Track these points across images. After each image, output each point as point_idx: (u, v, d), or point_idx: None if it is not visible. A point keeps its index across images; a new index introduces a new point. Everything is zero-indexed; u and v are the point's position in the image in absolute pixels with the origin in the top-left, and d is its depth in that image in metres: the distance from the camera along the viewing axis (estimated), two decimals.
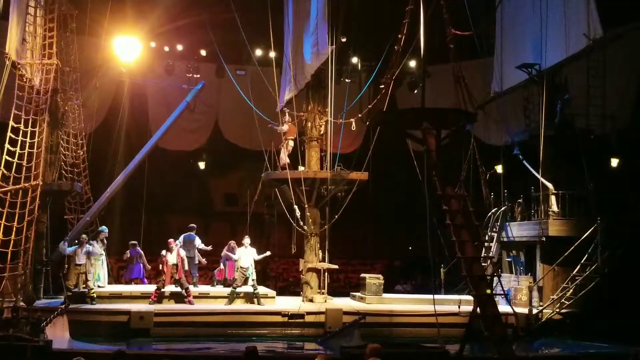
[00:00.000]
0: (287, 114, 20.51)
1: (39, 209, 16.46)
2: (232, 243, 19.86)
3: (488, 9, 21.94)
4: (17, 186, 15.77)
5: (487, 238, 20.77)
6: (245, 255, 18.44)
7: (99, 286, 18.65)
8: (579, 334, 16.54)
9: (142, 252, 20.81)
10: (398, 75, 14.48)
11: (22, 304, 14.37)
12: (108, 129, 22.92)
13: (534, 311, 17.83)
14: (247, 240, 18.75)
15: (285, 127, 20.18)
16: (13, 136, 16.19)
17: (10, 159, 15.94)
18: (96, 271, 18.70)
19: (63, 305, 16.12)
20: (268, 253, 19.25)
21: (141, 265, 20.89)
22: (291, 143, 20.24)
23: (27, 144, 16.42)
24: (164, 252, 18.26)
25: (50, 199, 18.77)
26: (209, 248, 20.32)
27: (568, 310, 17.52)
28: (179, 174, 28.66)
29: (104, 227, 19.61)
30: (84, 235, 18.38)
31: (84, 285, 17.48)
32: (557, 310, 17.59)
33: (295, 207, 19.57)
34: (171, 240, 18.66)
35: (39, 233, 17.60)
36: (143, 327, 16.12)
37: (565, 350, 15.94)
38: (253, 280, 18.39)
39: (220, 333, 16.41)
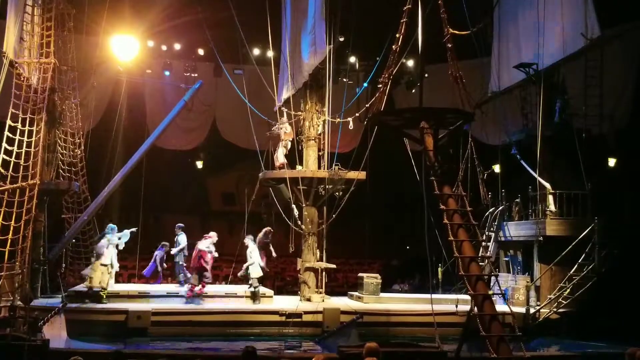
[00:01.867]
0: (285, 113, 20.50)
1: (37, 208, 16.44)
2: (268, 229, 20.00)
3: (486, 8, 21.94)
4: (15, 185, 15.73)
5: (484, 237, 20.80)
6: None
7: None
8: (576, 333, 16.58)
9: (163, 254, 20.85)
10: (396, 74, 14.44)
11: (19, 303, 14.34)
12: (106, 128, 22.87)
13: (532, 310, 17.87)
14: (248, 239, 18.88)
15: (288, 129, 20.17)
16: (10, 135, 16.15)
17: (7, 157, 15.89)
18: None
19: (60, 305, 16.13)
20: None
21: (156, 265, 20.86)
22: (289, 143, 20.24)
23: (25, 142, 16.38)
24: (206, 246, 18.37)
25: (47, 198, 18.75)
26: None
27: (565, 309, 17.55)
28: (176, 173, 28.65)
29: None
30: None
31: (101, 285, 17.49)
32: (555, 309, 17.62)
33: (293, 206, 19.59)
34: (213, 233, 18.95)
35: (36, 232, 17.57)
36: (140, 327, 16.12)
37: (562, 350, 15.95)
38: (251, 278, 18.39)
39: (217, 332, 16.41)
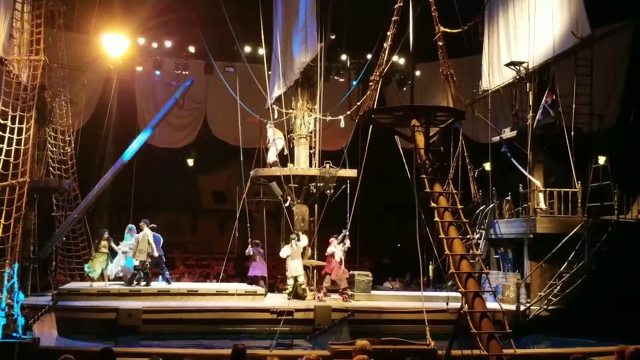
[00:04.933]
0: (276, 110, 20.48)
1: (26, 206, 16.36)
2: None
3: (477, 6, 22.01)
4: (4, 183, 15.66)
5: (475, 235, 20.85)
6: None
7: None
8: (566, 330, 16.62)
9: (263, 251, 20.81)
10: (387, 72, 14.45)
11: (9, 301, 14.27)
12: (96, 126, 22.81)
13: (522, 308, 17.92)
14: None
15: (270, 134, 20.18)
16: (0, 133, 16.08)
17: None
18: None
19: (51, 303, 16.06)
20: None
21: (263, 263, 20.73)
22: (280, 143, 20.18)
23: (15, 140, 16.31)
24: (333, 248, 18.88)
25: (37, 196, 18.66)
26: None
27: (555, 306, 17.61)
28: (167, 171, 28.59)
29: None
30: None
31: None
32: (545, 306, 17.68)
33: (285, 205, 19.57)
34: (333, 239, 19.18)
35: (26, 230, 17.50)
36: (131, 325, 16.06)
37: (552, 347, 16.00)
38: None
39: (209, 330, 16.37)
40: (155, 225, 19.45)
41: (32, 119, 17.00)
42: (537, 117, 19.47)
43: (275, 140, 20.12)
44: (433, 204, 11.16)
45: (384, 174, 23.54)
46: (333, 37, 20.56)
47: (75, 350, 11.20)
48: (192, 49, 25.46)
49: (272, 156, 20.04)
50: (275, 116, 20.39)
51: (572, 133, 18.45)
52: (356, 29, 21.30)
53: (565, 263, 17.66)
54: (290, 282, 18.74)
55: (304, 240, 19.17)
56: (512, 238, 20.20)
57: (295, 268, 18.69)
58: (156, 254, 18.75)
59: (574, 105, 18.66)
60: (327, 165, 19.25)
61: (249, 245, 20.61)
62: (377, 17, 15.46)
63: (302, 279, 18.78)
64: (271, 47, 21.11)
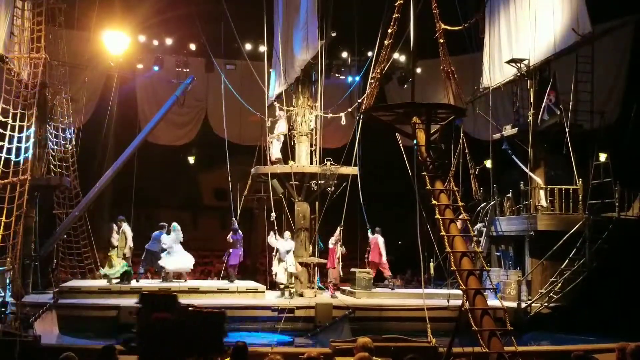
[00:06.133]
0: (279, 108, 20.48)
1: (27, 204, 16.35)
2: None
3: (478, 4, 21.99)
4: (5, 180, 15.66)
5: (476, 232, 20.85)
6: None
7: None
8: (567, 327, 16.62)
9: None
10: (388, 70, 14.45)
11: (10, 299, 14.28)
12: (97, 123, 22.81)
13: (523, 305, 17.92)
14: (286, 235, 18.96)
15: (284, 126, 20.21)
16: (1, 130, 16.08)
17: None
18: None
19: (52, 301, 16.07)
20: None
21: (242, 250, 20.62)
22: (282, 137, 20.23)
23: (15, 138, 16.31)
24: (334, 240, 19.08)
25: (38, 194, 18.68)
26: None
27: (556, 304, 17.61)
28: (168, 169, 28.58)
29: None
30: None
31: None
32: (546, 304, 17.68)
33: (273, 214, 19.39)
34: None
35: (27, 228, 17.50)
36: (132, 322, 16.03)
37: (553, 344, 16.01)
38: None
39: None
40: (165, 224, 19.70)
41: (33, 117, 16.99)
42: (544, 117, 19.44)
43: (280, 135, 20.11)
44: (434, 201, 11.15)
45: (386, 170, 23.58)
46: (334, 34, 20.55)
47: (77, 348, 11.20)
48: (192, 47, 25.43)
49: (276, 152, 20.02)
50: (277, 113, 20.39)
51: (568, 130, 18.43)
52: (357, 27, 21.27)
53: (567, 260, 17.65)
54: (291, 279, 18.71)
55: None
56: (513, 235, 20.20)
57: (293, 265, 18.68)
58: (127, 248, 18.88)
59: (570, 102, 18.65)
60: (328, 163, 19.25)
61: (230, 233, 20.47)
62: (378, 15, 15.46)
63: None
64: (272, 44, 21.10)
